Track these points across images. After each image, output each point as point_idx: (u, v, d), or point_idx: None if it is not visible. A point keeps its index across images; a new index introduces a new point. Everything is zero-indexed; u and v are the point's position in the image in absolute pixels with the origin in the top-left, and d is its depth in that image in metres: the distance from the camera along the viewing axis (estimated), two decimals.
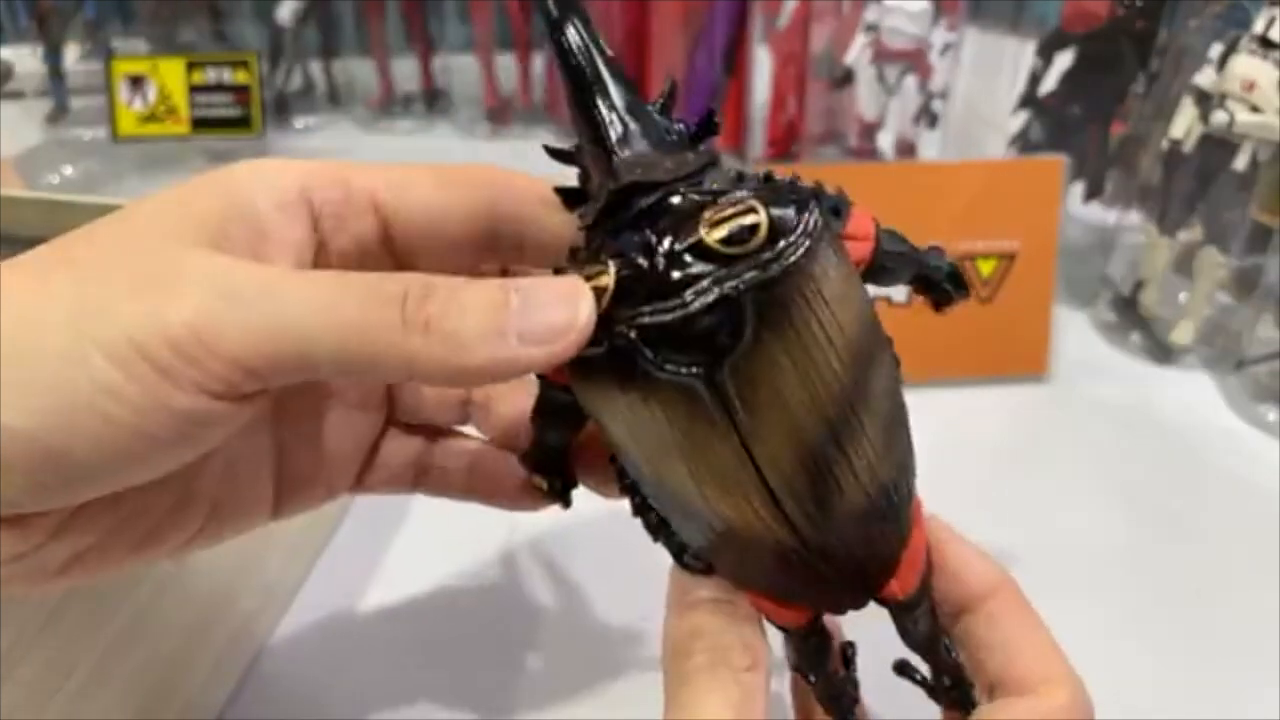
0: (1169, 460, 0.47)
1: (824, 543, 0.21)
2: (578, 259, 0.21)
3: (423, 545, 0.41)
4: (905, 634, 0.25)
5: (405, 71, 0.88)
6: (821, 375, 0.19)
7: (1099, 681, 0.35)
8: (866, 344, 0.20)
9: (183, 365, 0.17)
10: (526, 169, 0.23)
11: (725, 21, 0.73)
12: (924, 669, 0.26)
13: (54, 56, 0.82)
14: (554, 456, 0.25)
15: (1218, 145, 0.49)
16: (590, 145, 0.20)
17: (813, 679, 0.25)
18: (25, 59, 0.87)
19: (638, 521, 0.23)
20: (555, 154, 0.21)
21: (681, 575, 0.23)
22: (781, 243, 0.18)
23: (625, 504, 0.23)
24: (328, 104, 0.89)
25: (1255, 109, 0.47)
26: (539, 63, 0.85)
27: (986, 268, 0.51)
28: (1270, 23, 0.47)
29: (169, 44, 0.85)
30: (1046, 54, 0.61)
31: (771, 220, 0.18)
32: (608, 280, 0.19)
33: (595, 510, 0.26)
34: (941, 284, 0.25)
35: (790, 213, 0.19)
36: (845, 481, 0.20)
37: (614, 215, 0.20)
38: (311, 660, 0.36)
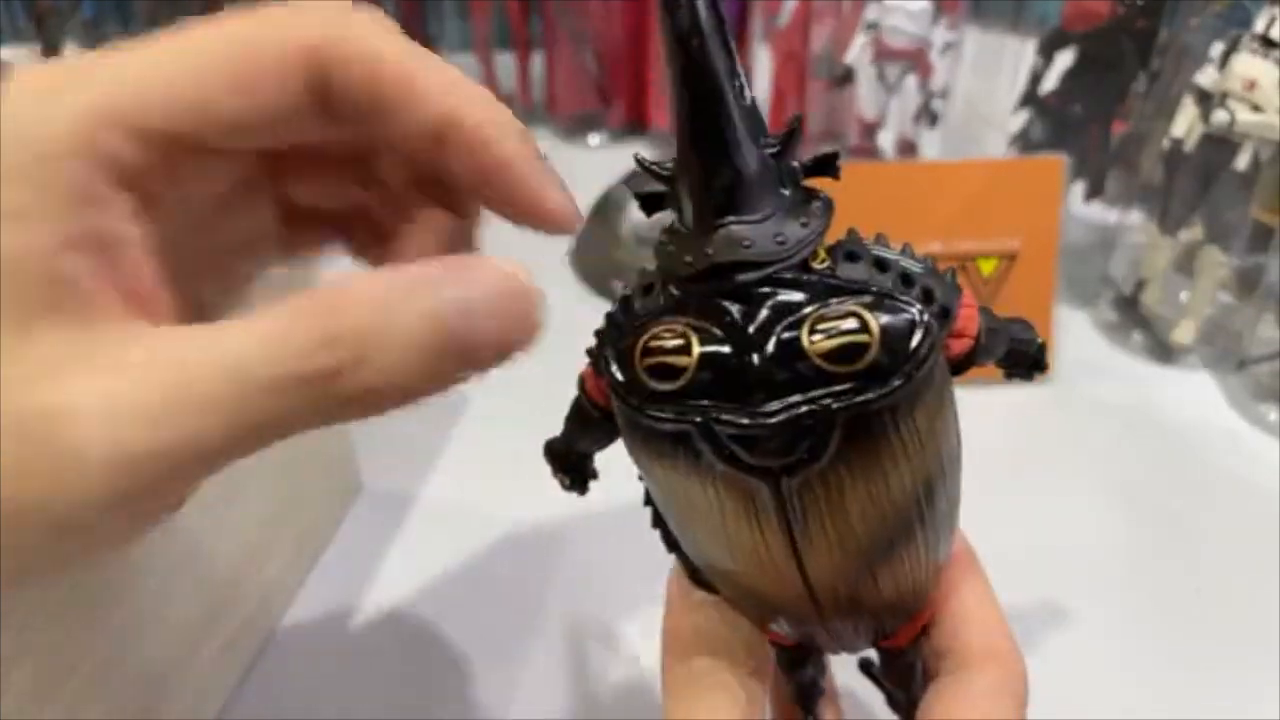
0: (1169, 460, 0.47)
1: (842, 621, 0.21)
2: (649, 301, 0.19)
3: (424, 543, 0.41)
4: (885, 666, 0.25)
5: None
6: (893, 499, 0.18)
7: (1100, 681, 0.35)
8: (947, 462, 0.19)
9: (110, 518, 0.15)
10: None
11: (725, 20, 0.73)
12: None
13: (52, 56, 0.82)
14: (578, 459, 0.24)
15: (1219, 144, 0.49)
16: (691, 172, 0.18)
17: (785, 680, 0.25)
18: (23, 58, 0.87)
19: (643, 521, 0.23)
20: (646, 169, 0.19)
21: (684, 575, 0.23)
22: (886, 367, 0.17)
23: (630, 500, 0.23)
24: None
25: (1256, 108, 0.47)
26: (538, 62, 0.85)
27: (987, 267, 0.51)
28: (1271, 22, 0.46)
29: None
30: (1047, 53, 0.61)
31: (882, 342, 0.17)
32: (689, 361, 0.17)
33: (599, 508, 0.26)
34: (1025, 364, 0.23)
35: (902, 328, 0.17)
36: (884, 582, 0.20)
37: (706, 279, 0.18)
38: (312, 660, 0.36)
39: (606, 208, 0.61)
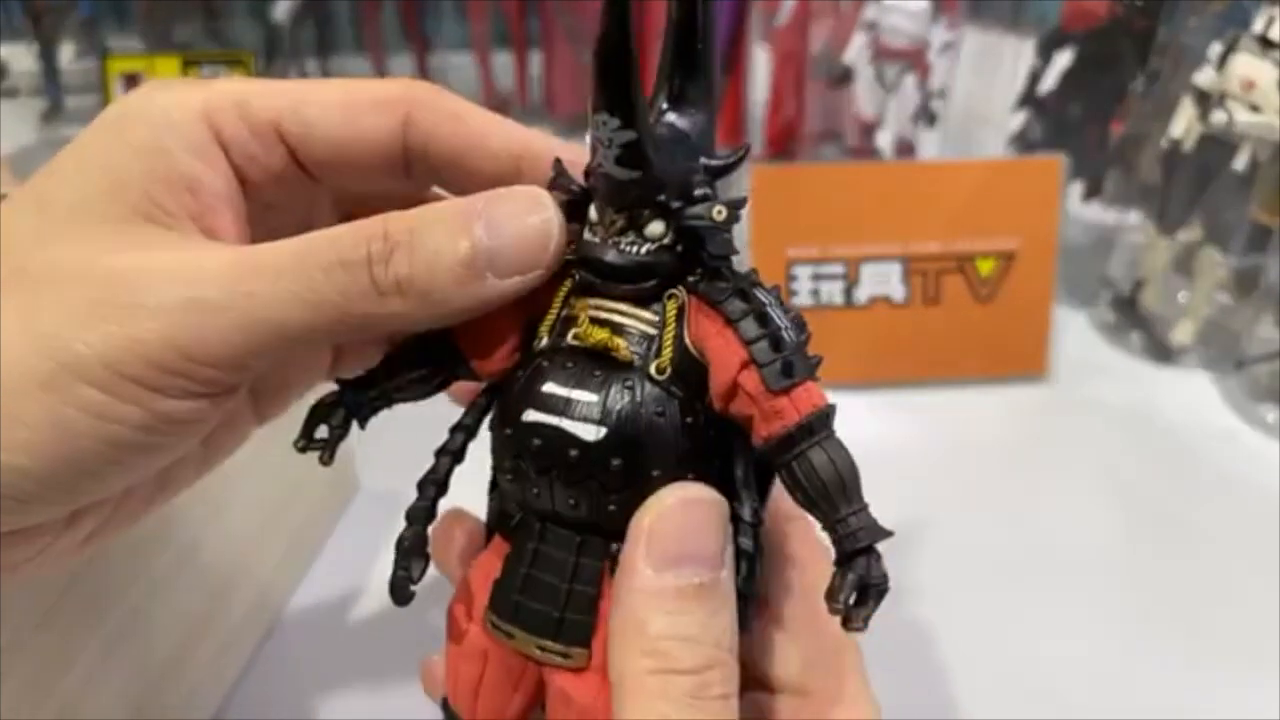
0: (1169, 460, 0.47)
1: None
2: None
3: None
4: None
5: (402, 69, 0.87)
6: None
7: (1099, 681, 0.35)
8: None
9: (170, 378, 0.18)
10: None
11: (723, 20, 0.73)
12: None
13: (49, 55, 0.82)
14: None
15: (1217, 145, 0.49)
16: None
17: None
18: (20, 57, 0.87)
19: None
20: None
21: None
22: None
23: None
24: None
25: (1254, 108, 0.47)
26: (536, 61, 0.85)
27: (986, 267, 0.51)
28: (1270, 22, 0.47)
29: (164, 42, 0.85)
30: (1046, 53, 0.61)
31: None
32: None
33: None
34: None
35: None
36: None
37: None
38: (309, 658, 0.36)
39: None
